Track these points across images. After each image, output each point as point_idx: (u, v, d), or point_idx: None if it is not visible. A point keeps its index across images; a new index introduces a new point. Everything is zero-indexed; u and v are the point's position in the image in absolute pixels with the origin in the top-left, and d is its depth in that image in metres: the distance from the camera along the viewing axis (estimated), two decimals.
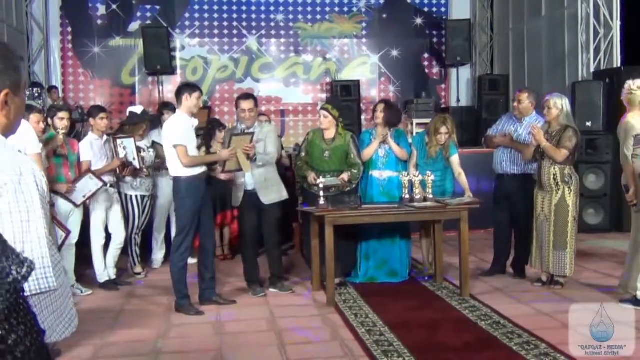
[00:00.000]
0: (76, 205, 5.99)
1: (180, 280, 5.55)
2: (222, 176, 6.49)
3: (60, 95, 10.91)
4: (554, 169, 5.84)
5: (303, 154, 6.44)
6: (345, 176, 6.18)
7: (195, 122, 5.62)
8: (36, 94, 9.12)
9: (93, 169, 6.22)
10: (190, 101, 5.49)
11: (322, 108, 6.45)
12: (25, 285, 1.60)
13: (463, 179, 6.34)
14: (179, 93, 5.59)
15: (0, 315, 1.34)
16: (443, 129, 6.37)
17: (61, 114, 6.01)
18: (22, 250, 1.61)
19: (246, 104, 5.97)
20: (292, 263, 7.47)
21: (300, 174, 6.48)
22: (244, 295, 6.07)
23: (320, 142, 6.34)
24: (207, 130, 7.59)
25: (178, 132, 5.46)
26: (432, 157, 6.42)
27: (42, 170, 1.80)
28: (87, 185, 6.05)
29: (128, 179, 6.61)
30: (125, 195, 6.69)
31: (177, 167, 5.50)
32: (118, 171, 6.43)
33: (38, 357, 1.45)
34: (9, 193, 1.62)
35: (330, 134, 6.33)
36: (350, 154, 6.27)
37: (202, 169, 5.58)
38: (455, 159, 6.43)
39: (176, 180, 5.55)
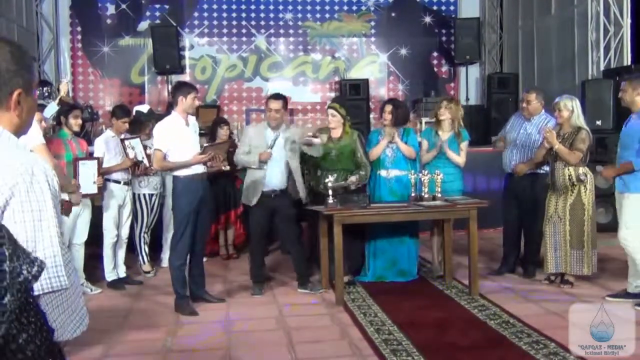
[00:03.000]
0: (96, 194, 6.00)
1: (177, 279, 5.55)
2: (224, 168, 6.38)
3: (70, 94, 10.94)
4: (568, 169, 5.82)
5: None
6: (353, 178, 6.18)
7: (192, 120, 5.65)
8: (46, 93, 9.16)
9: (108, 165, 6.27)
10: (185, 103, 5.50)
11: (330, 107, 6.46)
12: (38, 284, 1.61)
13: (455, 157, 6.41)
14: (174, 93, 5.61)
15: (11, 314, 1.35)
16: (444, 103, 6.55)
17: (75, 112, 6.08)
18: (33, 249, 1.62)
19: (274, 104, 6.05)
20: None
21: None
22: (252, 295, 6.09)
23: (328, 141, 6.33)
24: (211, 129, 7.64)
25: (162, 136, 5.51)
26: (446, 132, 6.47)
27: (50, 164, 1.81)
28: (88, 171, 5.91)
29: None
30: (134, 193, 6.73)
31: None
32: (131, 171, 6.48)
33: (48, 355, 1.45)
34: (20, 193, 1.63)
35: (337, 133, 6.33)
36: (357, 152, 6.28)
37: (200, 170, 5.55)
38: (464, 146, 6.50)
39: (174, 179, 5.62)
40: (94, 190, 5.94)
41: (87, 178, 5.87)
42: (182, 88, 5.62)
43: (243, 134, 6.31)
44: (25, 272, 1.37)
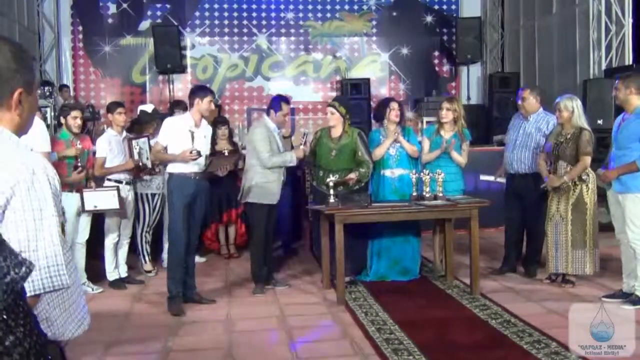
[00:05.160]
0: (83, 210, 5.95)
1: (171, 277, 5.55)
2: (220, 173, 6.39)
3: (72, 94, 10.96)
4: (570, 169, 5.81)
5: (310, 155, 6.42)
6: (353, 175, 6.15)
7: (204, 123, 5.70)
8: (47, 93, 9.15)
9: (111, 165, 6.27)
10: (202, 105, 5.55)
11: (330, 105, 6.46)
12: (39, 283, 1.61)
13: (458, 157, 6.39)
14: (191, 96, 5.67)
15: None
16: (445, 104, 6.49)
17: (74, 113, 6.02)
18: (34, 248, 1.62)
19: (287, 108, 6.30)
20: (302, 261, 7.47)
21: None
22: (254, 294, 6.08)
23: (328, 141, 6.33)
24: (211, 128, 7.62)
25: (165, 130, 5.63)
26: (448, 132, 6.44)
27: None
28: (105, 199, 5.98)
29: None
30: (136, 193, 6.72)
31: (170, 164, 5.64)
32: (134, 172, 6.47)
33: (38, 359, 1.44)
34: (21, 192, 1.62)
35: (337, 132, 6.31)
36: (357, 151, 6.25)
37: (193, 168, 5.54)
38: (466, 146, 6.50)
39: (168, 176, 5.68)
40: (89, 207, 5.98)
41: (97, 198, 5.97)
42: (200, 91, 5.69)
43: (259, 137, 6.10)
44: (12, 272, 1.36)
